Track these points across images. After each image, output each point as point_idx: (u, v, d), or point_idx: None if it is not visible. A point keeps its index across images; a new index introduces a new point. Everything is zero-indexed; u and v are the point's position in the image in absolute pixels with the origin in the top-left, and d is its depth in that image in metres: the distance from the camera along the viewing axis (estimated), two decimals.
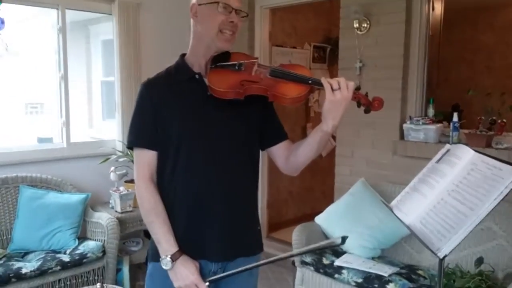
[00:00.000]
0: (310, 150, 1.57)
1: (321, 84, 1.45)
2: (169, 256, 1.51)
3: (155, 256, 1.60)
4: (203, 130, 1.52)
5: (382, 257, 3.06)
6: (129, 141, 1.62)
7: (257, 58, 1.60)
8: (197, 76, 1.58)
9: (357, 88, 1.47)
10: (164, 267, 1.52)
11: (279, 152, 1.68)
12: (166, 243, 1.53)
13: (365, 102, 1.48)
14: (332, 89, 1.41)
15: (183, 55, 1.65)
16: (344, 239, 1.43)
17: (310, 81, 1.48)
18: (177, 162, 1.55)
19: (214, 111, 1.54)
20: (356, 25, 3.54)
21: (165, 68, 1.66)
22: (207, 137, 1.54)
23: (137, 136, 1.59)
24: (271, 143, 1.69)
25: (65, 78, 3.83)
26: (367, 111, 1.50)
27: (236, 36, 1.56)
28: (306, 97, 1.52)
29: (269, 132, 1.68)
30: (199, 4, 1.53)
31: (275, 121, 1.71)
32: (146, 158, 1.58)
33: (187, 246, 1.56)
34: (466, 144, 2.43)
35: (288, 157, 1.65)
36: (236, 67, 1.55)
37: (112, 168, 3.72)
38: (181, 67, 1.62)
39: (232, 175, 1.59)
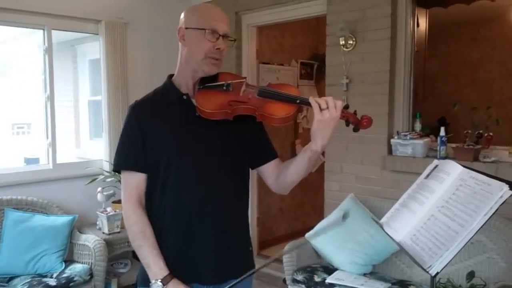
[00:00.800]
0: (300, 169, 1.56)
1: (309, 103, 1.45)
2: (160, 280, 1.47)
3: (145, 281, 1.56)
4: (192, 150, 1.50)
5: (373, 273, 3.04)
6: (116, 164, 1.59)
7: (245, 78, 1.60)
8: (184, 97, 1.57)
9: (346, 107, 1.47)
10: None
11: (268, 171, 1.68)
12: (155, 266, 1.49)
13: (353, 121, 1.48)
14: (320, 109, 1.41)
15: (171, 76, 1.65)
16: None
17: (298, 101, 1.49)
18: (167, 183, 1.53)
19: (203, 132, 1.53)
20: (342, 42, 3.56)
21: (153, 89, 1.65)
22: (196, 157, 1.53)
23: (126, 159, 1.57)
24: (260, 162, 1.68)
25: (51, 98, 3.80)
26: (356, 130, 1.50)
27: (223, 59, 1.57)
28: (295, 116, 1.53)
29: (258, 151, 1.67)
30: (186, 28, 1.54)
31: (265, 140, 1.70)
32: (135, 181, 1.55)
33: (178, 269, 1.53)
34: (454, 159, 2.44)
35: (278, 176, 1.64)
36: (224, 88, 1.54)
37: (99, 189, 3.67)
38: (168, 88, 1.61)
39: (223, 195, 1.57)
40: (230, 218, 1.60)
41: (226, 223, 1.58)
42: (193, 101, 1.55)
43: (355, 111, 1.51)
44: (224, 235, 1.58)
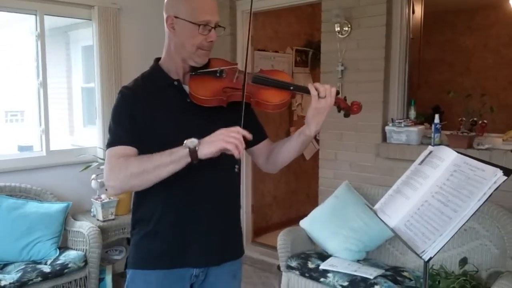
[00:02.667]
0: (293, 151, 1.62)
1: (303, 90, 1.48)
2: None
3: (137, 263, 1.57)
4: (184, 136, 1.47)
5: (367, 260, 3.06)
6: (109, 142, 1.53)
7: (236, 64, 1.60)
8: (176, 83, 1.56)
9: (337, 93, 1.49)
10: (190, 145, 1.36)
11: (259, 151, 1.71)
12: (176, 149, 1.38)
13: (344, 107, 1.53)
14: (319, 97, 1.45)
15: (158, 59, 1.63)
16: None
17: (292, 87, 1.51)
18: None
19: (195, 118, 1.52)
20: (337, 28, 3.55)
21: (140, 73, 1.63)
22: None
23: (119, 137, 1.51)
24: (252, 143, 1.67)
25: (44, 85, 3.77)
26: (346, 115, 1.55)
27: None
28: (288, 103, 1.54)
29: (250, 132, 1.67)
30: (176, 17, 1.50)
31: (255, 122, 1.71)
32: (122, 151, 1.48)
33: (172, 253, 1.54)
34: (447, 145, 2.45)
35: (269, 156, 1.69)
36: (218, 74, 1.54)
37: (93, 176, 3.66)
38: (157, 73, 1.59)
39: (215, 180, 1.58)
40: (222, 202, 1.61)
41: (218, 206, 1.60)
42: (185, 87, 1.54)
43: (345, 97, 1.54)
44: (216, 219, 1.59)
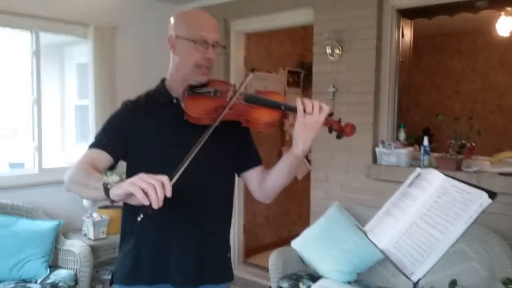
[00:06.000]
0: (281, 174, 1.58)
1: (292, 109, 1.47)
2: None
3: (120, 278, 1.59)
4: (175, 153, 1.44)
5: (358, 281, 3.07)
6: (91, 143, 1.57)
7: (234, 85, 1.64)
8: (174, 101, 1.60)
9: (330, 114, 1.49)
10: (107, 181, 1.29)
11: (252, 177, 1.69)
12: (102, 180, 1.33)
13: (337, 128, 1.51)
14: (305, 112, 1.42)
15: (164, 79, 1.67)
16: None
17: (282, 107, 1.51)
18: None
19: (189, 136, 1.51)
20: (328, 51, 3.62)
21: (145, 91, 1.68)
22: (179, 161, 1.50)
23: (100, 141, 1.56)
24: (245, 167, 1.69)
25: (38, 102, 3.79)
26: (338, 137, 1.52)
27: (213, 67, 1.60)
28: (279, 122, 1.56)
29: (243, 157, 1.69)
30: (176, 37, 1.56)
31: (250, 147, 1.72)
32: (95, 154, 1.52)
33: (149, 268, 1.56)
34: (435, 168, 2.49)
35: (261, 183, 1.65)
36: (212, 94, 1.58)
37: None
38: (160, 91, 1.64)
39: (204, 200, 1.59)
40: (209, 224, 1.61)
41: (205, 229, 1.60)
42: (182, 105, 1.58)
43: (340, 119, 1.53)
44: (201, 241, 1.59)
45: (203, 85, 1.60)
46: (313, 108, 1.41)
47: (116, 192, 1.23)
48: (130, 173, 1.55)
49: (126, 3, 4.31)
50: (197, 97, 1.57)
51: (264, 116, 1.52)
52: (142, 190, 1.16)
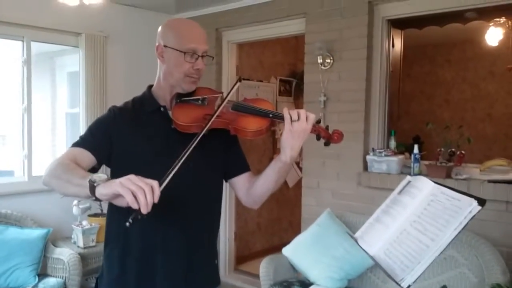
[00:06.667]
0: (269, 181, 1.58)
1: (281, 118, 1.48)
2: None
3: (110, 284, 1.58)
4: (163, 162, 1.41)
5: None
6: (75, 142, 1.53)
7: (222, 93, 1.63)
8: (162, 109, 1.60)
9: (318, 122, 1.51)
10: (94, 179, 1.24)
11: (240, 183, 1.69)
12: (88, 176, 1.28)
13: (324, 135, 1.52)
14: (291, 120, 1.43)
15: (150, 86, 1.67)
16: None
17: (270, 115, 1.52)
18: None
19: (177, 144, 1.49)
20: (320, 60, 3.65)
21: (132, 98, 1.67)
22: (167, 170, 1.47)
23: (84, 140, 1.53)
24: (232, 174, 1.70)
25: (28, 110, 3.77)
26: (326, 144, 1.54)
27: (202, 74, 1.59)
28: (267, 130, 1.56)
29: (231, 164, 1.69)
30: (165, 46, 1.55)
31: (238, 153, 1.72)
32: (78, 152, 1.48)
33: (138, 277, 1.54)
34: (426, 175, 2.51)
35: (249, 189, 1.66)
36: (200, 102, 1.58)
37: (75, 202, 3.63)
38: (147, 98, 1.63)
39: (191, 207, 1.58)
40: (196, 232, 1.60)
41: (193, 234, 1.59)
42: (170, 113, 1.57)
43: (327, 126, 1.55)
44: (189, 246, 1.57)
45: (191, 93, 1.60)
46: (299, 115, 1.43)
47: (104, 191, 1.20)
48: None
49: (117, 12, 4.32)
50: (185, 106, 1.57)
51: (252, 124, 1.52)
52: (132, 192, 1.14)
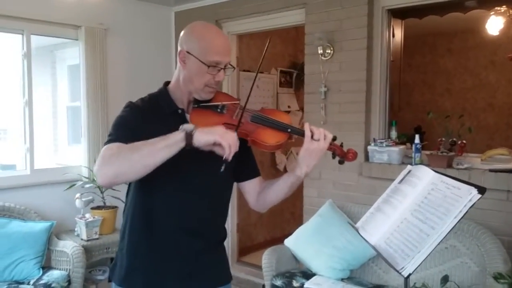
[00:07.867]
0: (281, 192, 1.62)
1: (299, 133, 1.50)
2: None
3: (119, 279, 1.59)
4: (178, 164, 1.41)
5: (351, 278, 3.09)
6: (108, 140, 1.47)
7: (239, 100, 1.61)
8: (180, 111, 1.58)
9: (334, 139, 1.53)
10: (187, 129, 1.34)
11: (250, 187, 1.71)
12: (171, 134, 1.35)
13: (340, 153, 1.56)
14: (312, 138, 1.47)
15: (167, 83, 1.64)
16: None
17: (289, 130, 1.53)
18: (150, 193, 1.54)
19: (193, 149, 1.45)
20: (320, 51, 3.64)
21: (148, 95, 1.64)
22: (182, 172, 1.52)
23: (117, 135, 1.47)
24: (243, 178, 1.71)
25: (29, 103, 3.77)
26: (341, 162, 1.58)
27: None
28: (285, 144, 1.56)
29: (243, 168, 1.70)
30: (188, 52, 1.51)
31: (250, 159, 1.73)
32: (116, 145, 1.42)
33: (146, 279, 1.55)
34: (427, 165, 2.51)
35: (259, 194, 1.68)
36: (219, 109, 1.56)
37: (78, 195, 3.65)
38: (164, 98, 1.60)
39: (205, 209, 1.59)
40: (208, 231, 1.63)
41: (204, 234, 1.61)
42: (187, 116, 1.56)
43: (342, 143, 1.58)
44: (200, 247, 1.60)
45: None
46: (320, 135, 1.48)
47: (204, 137, 1.34)
48: (140, 180, 1.46)
49: (117, 4, 4.30)
50: (203, 112, 1.55)
51: (271, 138, 1.53)
52: (229, 146, 1.33)
